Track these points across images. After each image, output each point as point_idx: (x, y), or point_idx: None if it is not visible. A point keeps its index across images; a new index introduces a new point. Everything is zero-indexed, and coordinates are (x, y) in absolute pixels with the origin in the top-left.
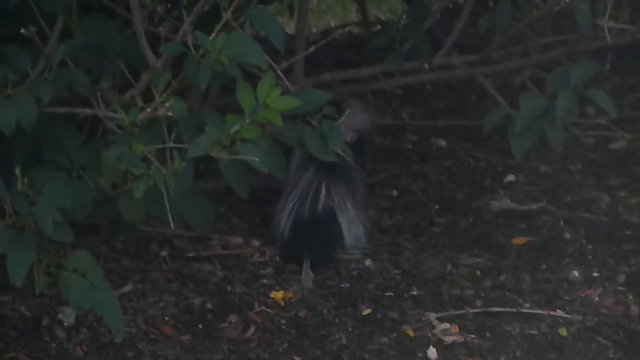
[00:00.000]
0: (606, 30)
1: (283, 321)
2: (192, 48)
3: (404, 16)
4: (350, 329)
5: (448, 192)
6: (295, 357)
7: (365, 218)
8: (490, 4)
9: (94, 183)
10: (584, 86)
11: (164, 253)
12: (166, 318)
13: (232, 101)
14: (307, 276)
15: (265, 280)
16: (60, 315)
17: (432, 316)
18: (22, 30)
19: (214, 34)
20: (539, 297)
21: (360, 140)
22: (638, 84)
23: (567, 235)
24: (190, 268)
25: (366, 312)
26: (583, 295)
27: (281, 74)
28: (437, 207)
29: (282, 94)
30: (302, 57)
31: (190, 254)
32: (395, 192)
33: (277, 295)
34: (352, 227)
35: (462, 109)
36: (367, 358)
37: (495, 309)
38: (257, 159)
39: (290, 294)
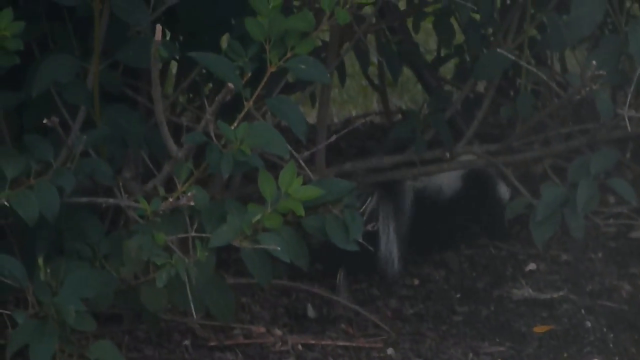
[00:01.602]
0: (627, 119)
1: None
2: (214, 138)
3: (425, 105)
4: None
5: (470, 281)
6: None
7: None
8: (511, 93)
9: (116, 273)
10: (605, 175)
11: (186, 342)
12: None
13: (254, 190)
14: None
15: None
16: None
17: None
18: (45, 121)
19: (235, 124)
20: None
21: None
22: None
23: (589, 324)
24: (212, 357)
25: None
26: None
27: (303, 164)
28: (458, 295)
29: (304, 183)
30: (324, 147)
31: (213, 343)
32: (417, 281)
33: None
34: (388, 247)
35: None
36: None
37: None
38: (279, 248)
39: None
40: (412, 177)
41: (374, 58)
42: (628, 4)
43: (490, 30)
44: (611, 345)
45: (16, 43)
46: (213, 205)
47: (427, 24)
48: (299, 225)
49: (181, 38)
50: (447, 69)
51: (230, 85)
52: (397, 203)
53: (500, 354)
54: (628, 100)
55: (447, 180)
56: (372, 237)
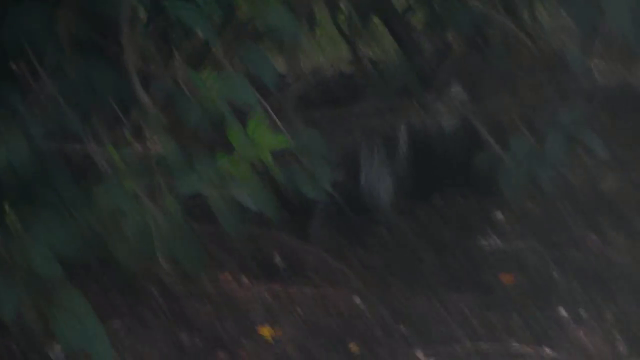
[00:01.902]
0: (596, 70)
1: (272, 358)
2: (183, 87)
3: (395, 54)
4: None
5: (437, 231)
6: None
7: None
8: (481, 43)
9: (84, 221)
10: (574, 126)
11: (152, 289)
12: (155, 354)
13: (222, 139)
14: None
15: (254, 317)
16: (49, 352)
17: (421, 354)
18: (13, 67)
19: (205, 73)
20: (527, 335)
21: None
22: (628, 125)
23: (556, 275)
24: (179, 304)
25: (355, 349)
26: (571, 334)
27: (272, 113)
28: (426, 245)
29: (272, 132)
30: (293, 96)
31: (179, 291)
32: (384, 230)
33: (266, 331)
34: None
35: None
36: None
37: (484, 346)
38: (247, 197)
39: (278, 331)
40: (379, 126)
41: (344, 6)
42: None
43: None
44: (578, 295)
45: None
46: (181, 154)
47: None
48: (268, 174)
49: None
50: (418, 19)
51: (200, 33)
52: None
53: (467, 303)
54: (598, 51)
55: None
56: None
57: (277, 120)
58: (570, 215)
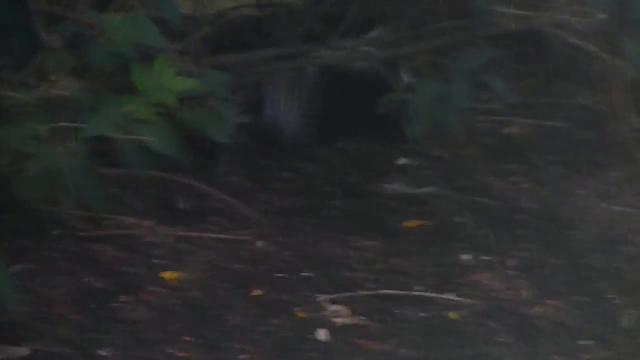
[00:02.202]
0: (501, 15)
1: (176, 302)
2: (88, 28)
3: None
4: (242, 311)
5: (342, 176)
6: (187, 338)
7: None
8: None
9: None
10: (480, 72)
11: (57, 232)
12: (59, 297)
13: (128, 82)
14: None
15: (158, 261)
16: None
17: (325, 298)
18: None
19: (109, 14)
20: (431, 280)
21: None
22: (534, 71)
23: (460, 220)
24: (83, 248)
25: (259, 293)
26: (475, 279)
27: (177, 55)
28: (331, 190)
29: (178, 75)
30: (198, 39)
31: (84, 234)
32: (290, 175)
33: (170, 275)
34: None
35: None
36: (258, 339)
37: (387, 292)
38: (153, 139)
39: (183, 275)
40: (287, 70)
41: None
42: None
43: None
44: (482, 240)
45: None
46: (87, 96)
47: None
48: (173, 117)
49: None
50: None
51: None
52: (297, 85)
53: (373, 248)
54: None
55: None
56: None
57: (183, 62)
58: (476, 160)
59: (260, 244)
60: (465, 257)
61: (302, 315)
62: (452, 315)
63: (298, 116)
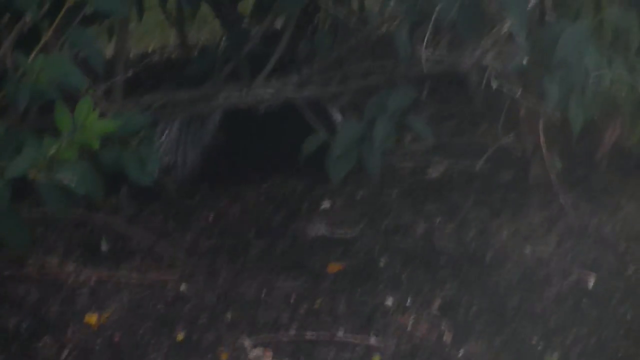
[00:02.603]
0: (424, 57)
1: (98, 343)
2: (11, 68)
3: (223, 41)
4: (165, 352)
5: (265, 217)
6: None
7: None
8: (310, 29)
9: None
10: (402, 113)
11: None
12: None
13: (50, 122)
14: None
15: (81, 302)
16: None
17: (247, 340)
18: None
19: (33, 55)
20: (354, 322)
21: None
22: (455, 112)
23: (383, 262)
24: (6, 288)
25: (181, 335)
26: (398, 321)
27: (100, 96)
28: (253, 231)
29: (101, 116)
30: (121, 80)
31: (6, 273)
32: (211, 216)
33: (93, 317)
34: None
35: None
36: None
37: (310, 333)
38: (74, 180)
39: (106, 315)
40: (209, 110)
41: None
42: None
43: None
44: (405, 282)
45: None
46: (9, 136)
47: None
48: (95, 158)
49: None
50: (246, 5)
51: (28, 16)
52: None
53: (295, 289)
54: (426, 38)
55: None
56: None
57: (105, 103)
58: (399, 201)
59: (183, 284)
60: (388, 299)
61: (225, 357)
62: (376, 358)
63: (197, 155)
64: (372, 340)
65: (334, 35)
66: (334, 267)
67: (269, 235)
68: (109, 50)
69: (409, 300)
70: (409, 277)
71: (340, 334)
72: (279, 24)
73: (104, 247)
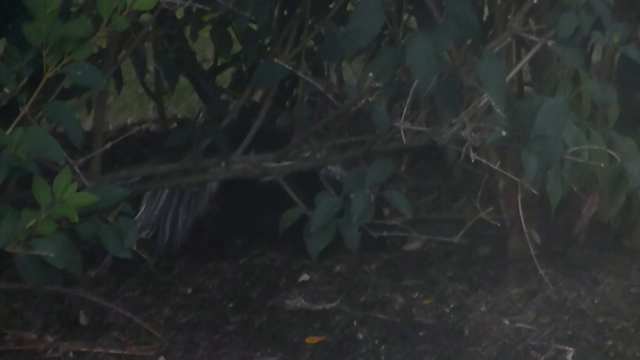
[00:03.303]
0: (402, 131)
1: None
2: None
3: (201, 114)
4: None
5: (243, 291)
6: None
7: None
8: (288, 103)
9: None
10: (380, 187)
11: None
12: None
13: (28, 196)
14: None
15: None
16: None
17: None
18: None
19: (11, 129)
20: None
21: None
22: (433, 186)
23: (361, 336)
24: None
25: None
26: None
27: (78, 170)
28: (231, 305)
29: (79, 190)
30: (99, 154)
31: None
32: (190, 290)
33: None
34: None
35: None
36: None
37: None
38: (52, 254)
39: None
40: (186, 185)
41: (151, 66)
42: (405, 17)
43: (268, 40)
44: (383, 357)
45: None
46: None
47: (205, 33)
48: (74, 231)
49: None
50: (224, 78)
51: (6, 90)
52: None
53: None
54: (404, 112)
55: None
56: None
57: (83, 177)
58: (377, 276)
59: (161, 358)
60: None
61: None
62: None
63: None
64: None
65: (313, 108)
66: (312, 340)
67: (247, 309)
68: (86, 124)
69: None
70: (388, 351)
71: None
72: (257, 96)
73: (83, 320)
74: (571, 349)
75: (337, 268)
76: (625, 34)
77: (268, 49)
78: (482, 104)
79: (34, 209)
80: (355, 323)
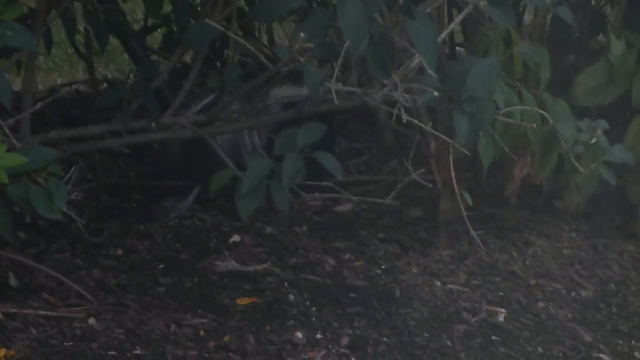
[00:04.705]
0: (334, 92)
1: None
2: None
3: (132, 75)
4: None
5: (173, 252)
6: None
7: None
8: (219, 64)
9: None
10: (311, 148)
11: None
12: None
13: None
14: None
15: None
16: None
17: None
18: None
19: None
20: (263, 358)
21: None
22: (364, 147)
23: (292, 297)
24: None
25: None
26: (307, 357)
27: (7, 131)
28: (162, 266)
29: (8, 151)
30: (29, 115)
31: None
32: (120, 252)
33: None
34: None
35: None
36: None
37: None
38: None
39: (12, 352)
40: (116, 146)
41: (81, 26)
42: None
43: (198, 1)
44: (314, 319)
45: None
46: None
47: None
48: (3, 192)
49: None
50: (155, 39)
51: None
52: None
53: (203, 325)
54: (335, 73)
55: None
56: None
57: (12, 138)
58: (308, 238)
59: (91, 321)
60: (297, 335)
61: None
62: None
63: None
64: None
65: (243, 69)
66: (243, 302)
67: (177, 271)
68: (16, 85)
69: (318, 336)
70: (318, 313)
71: None
72: (188, 57)
73: (12, 282)
74: (503, 310)
75: (268, 230)
76: None
77: (199, 9)
78: (413, 64)
79: None
80: (286, 285)
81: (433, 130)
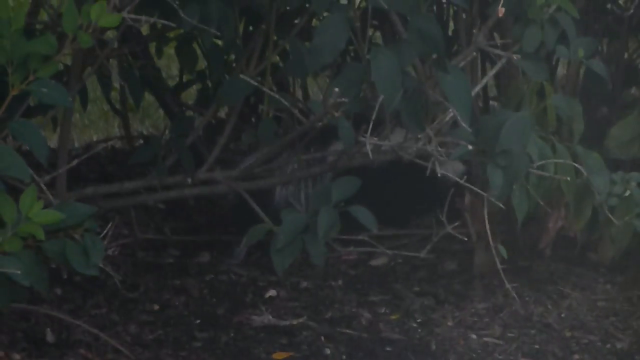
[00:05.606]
0: (368, 146)
1: None
2: None
3: (167, 131)
4: None
5: (209, 307)
6: None
7: None
8: (253, 119)
9: None
10: (346, 202)
11: None
12: None
13: None
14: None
15: None
16: None
17: None
18: None
19: None
20: None
21: None
22: (399, 201)
23: (328, 351)
24: None
25: None
26: None
27: (44, 188)
28: (198, 321)
29: (45, 207)
30: (65, 171)
31: None
32: (156, 307)
33: None
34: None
35: (224, 225)
36: None
37: None
38: (19, 272)
39: None
40: (152, 201)
41: (116, 83)
42: (370, 32)
43: (233, 56)
44: None
45: None
46: None
47: (170, 49)
48: (40, 249)
49: None
50: (189, 95)
51: None
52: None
53: None
54: (369, 128)
55: None
56: None
57: (49, 195)
58: (344, 291)
59: None
60: None
61: None
62: None
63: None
64: None
65: (277, 125)
66: (279, 357)
67: (213, 326)
68: (52, 142)
69: None
70: None
71: None
72: (223, 113)
73: (49, 338)
74: None
75: (304, 284)
76: (590, 47)
77: (233, 65)
78: (447, 118)
79: (0, 227)
80: (322, 339)
81: (467, 184)
